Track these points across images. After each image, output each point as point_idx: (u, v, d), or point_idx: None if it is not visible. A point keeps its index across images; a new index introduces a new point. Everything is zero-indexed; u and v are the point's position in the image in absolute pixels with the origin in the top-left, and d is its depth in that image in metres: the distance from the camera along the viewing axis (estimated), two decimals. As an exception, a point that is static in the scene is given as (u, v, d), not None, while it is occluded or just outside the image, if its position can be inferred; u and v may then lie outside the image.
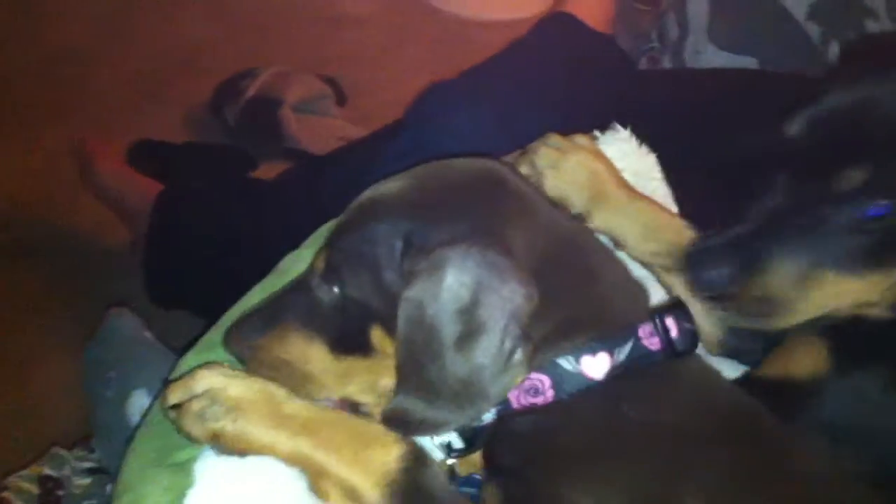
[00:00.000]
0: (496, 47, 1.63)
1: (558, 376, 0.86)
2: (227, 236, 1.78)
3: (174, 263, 1.84)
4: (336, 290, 0.90)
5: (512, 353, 0.82)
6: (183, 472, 0.88)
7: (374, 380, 0.92)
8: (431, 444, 0.89)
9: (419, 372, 0.82)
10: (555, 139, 1.10)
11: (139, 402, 1.30)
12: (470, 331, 0.81)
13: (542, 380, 0.86)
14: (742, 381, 1.01)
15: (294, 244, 1.17)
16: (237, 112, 2.36)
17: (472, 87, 1.51)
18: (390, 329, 0.86)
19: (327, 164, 1.86)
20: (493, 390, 0.82)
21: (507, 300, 0.81)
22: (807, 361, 0.95)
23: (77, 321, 1.91)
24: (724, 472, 0.81)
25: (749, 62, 1.77)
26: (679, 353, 0.89)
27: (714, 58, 1.78)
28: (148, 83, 2.67)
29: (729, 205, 1.21)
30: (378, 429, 0.86)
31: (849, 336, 0.95)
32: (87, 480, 1.31)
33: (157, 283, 1.86)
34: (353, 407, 0.94)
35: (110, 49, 2.78)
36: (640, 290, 0.96)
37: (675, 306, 0.93)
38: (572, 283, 0.89)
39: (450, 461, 0.90)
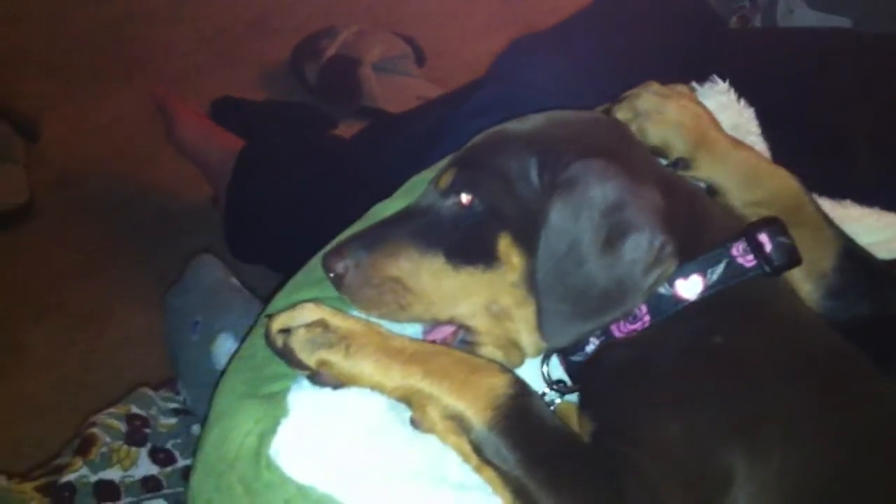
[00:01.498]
0: (569, 7, 1.60)
1: (655, 300, 0.88)
2: (305, 193, 1.79)
3: (254, 219, 1.86)
4: (464, 199, 0.92)
5: (662, 246, 0.86)
6: (275, 403, 0.88)
7: (490, 298, 0.92)
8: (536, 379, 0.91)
9: (564, 280, 0.87)
10: (656, 86, 1.08)
11: (226, 344, 1.31)
12: (619, 231, 0.86)
13: (640, 306, 0.88)
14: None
15: (371, 201, 1.15)
16: (317, 71, 2.36)
17: (553, 42, 1.49)
18: (521, 238, 0.90)
19: (404, 121, 1.85)
20: (647, 282, 0.86)
21: (648, 200, 0.87)
22: None
23: (153, 275, 1.95)
24: (806, 408, 0.80)
25: (842, 22, 1.72)
26: (775, 268, 0.90)
27: (806, 17, 1.72)
28: (221, 42, 2.69)
29: (818, 168, 1.20)
30: (483, 359, 0.88)
31: None
32: (172, 420, 1.33)
33: (238, 237, 1.88)
34: (459, 334, 0.94)
35: (182, 8, 2.80)
36: (732, 216, 0.97)
37: (769, 222, 0.92)
38: (671, 209, 0.89)
39: (550, 397, 0.92)
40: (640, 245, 0.86)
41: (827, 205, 1.12)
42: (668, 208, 0.88)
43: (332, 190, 1.74)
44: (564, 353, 0.94)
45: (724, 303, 0.87)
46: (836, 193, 1.18)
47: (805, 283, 1.04)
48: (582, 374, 0.93)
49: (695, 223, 0.92)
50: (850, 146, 1.29)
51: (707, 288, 0.88)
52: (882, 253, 1.07)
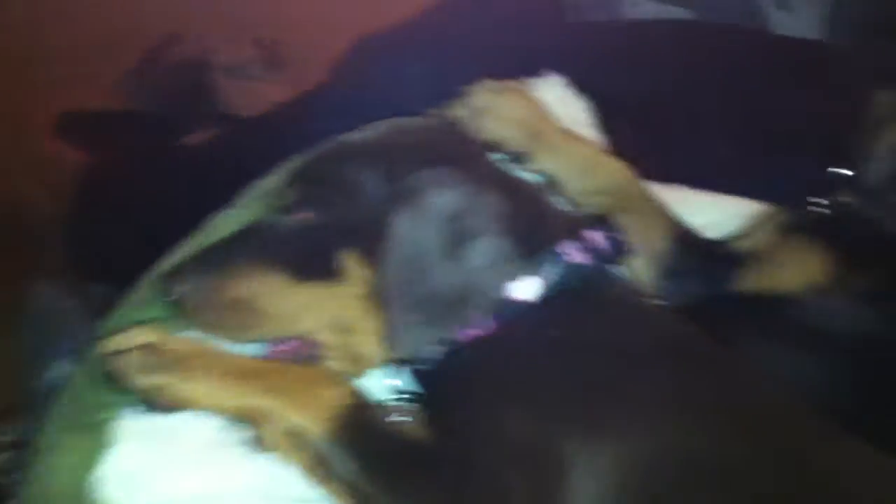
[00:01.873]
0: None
1: (497, 304, 0.89)
2: (155, 204, 1.73)
3: (101, 234, 1.78)
4: (305, 214, 0.91)
5: (505, 250, 0.88)
6: (100, 433, 0.85)
7: (336, 311, 0.91)
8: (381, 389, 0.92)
9: (410, 289, 0.87)
10: (490, 84, 1.09)
11: (61, 371, 1.25)
12: (462, 238, 0.87)
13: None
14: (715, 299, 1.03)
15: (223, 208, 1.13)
16: (164, 78, 2.28)
17: (396, 42, 1.49)
18: (365, 250, 0.89)
19: (255, 126, 1.81)
20: (492, 287, 0.88)
21: (490, 206, 0.88)
22: (803, 273, 0.97)
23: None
24: (642, 391, 0.82)
25: (686, 14, 1.77)
26: (609, 263, 0.93)
27: (649, 9, 1.77)
28: (70, 56, 2.56)
29: (661, 154, 1.23)
30: (322, 371, 0.88)
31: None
32: (5, 455, 1.25)
33: (83, 255, 1.80)
34: (307, 349, 0.92)
35: (34, 25, 2.66)
36: (564, 215, 0.98)
37: (599, 219, 0.96)
38: (511, 213, 0.90)
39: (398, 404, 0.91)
40: (483, 251, 0.88)
41: (662, 189, 1.15)
42: (508, 212, 0.90)
43: (183, 200, 1.68)
44: (411, 362, 0.93)
45: (563, 300, 0.89)
46: (679, 178, 1.22)
47: (642, 266, 1.07)
48: (428, 382, 0.92)
49: (533, 225, 0.93)
50: (691, 132, 1.34)
51: (546, 288, 0.89)
52: (713, 233, 1.12)
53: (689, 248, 1.08)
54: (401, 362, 0.93)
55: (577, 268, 0.90)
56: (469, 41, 1.49)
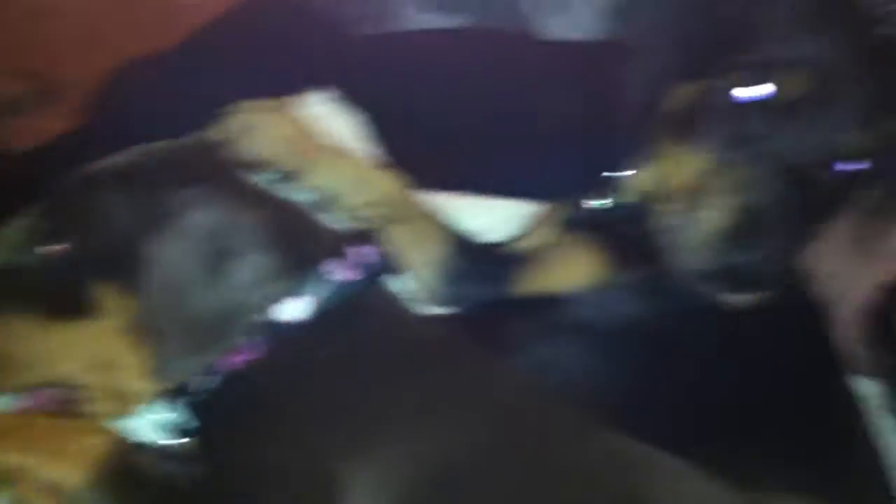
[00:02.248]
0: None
1: (264, 327, 0.87)
2: None
3: None
4: (55, 249, 0.87)
5: (269, 266, 0.86)
6: None
7: (95, 350, 0.87)
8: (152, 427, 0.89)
9: (175, 315, 0.84)
10: (247, 104, 1.07)
11: None
12: (224, 257, 0.85)
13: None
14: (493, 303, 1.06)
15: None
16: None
17: (157, 67, 1.43)
18: (123, 281, 0.85)
19: (23, 162, 1.69)
20: (259, 304, 0.86)
21: (251, 223, 0.87)
22: (578, 271, 1.00)
23: None
24: (413, 400, 0.82)
25: (459, 22, 1.80)
26: (372, 280, 0.92)
27: (424, 19, 1.79)
28: None
29: (437, 164, 1.26)
30: (81, 418, 0.84)
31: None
32: None
33: None
34: (64, 395, 0.88)
35: None
36: (331, 232, 0.98)
37: (362, 236, 0.96)
38: (274, 230, 0.89)
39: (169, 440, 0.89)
40: (246, 268, 0.86)
41: (437, 198, 1.17)
42: (270, 229, 0.88)
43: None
44: (181, 395, 0.90)
45: (331, 319, 0.88)
46: (455, 185, 1.24)
47: (422, 275, 1.09)
48: (200, 415, 0.89)
49: (298, 243, 0.92)
50: (465, 141, 1.37)
51: (313, 307, 0.88)
52: (492, 237, 1.16)
53: (467, 252, 1.11)
54: (171, 395, 0.90)
55: (344, 285, 0.90)
56: (241, 60, 1.46)
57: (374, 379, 0.84)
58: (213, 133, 1.04)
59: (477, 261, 1.10)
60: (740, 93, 0.93)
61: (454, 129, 1.36)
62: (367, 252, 0.93)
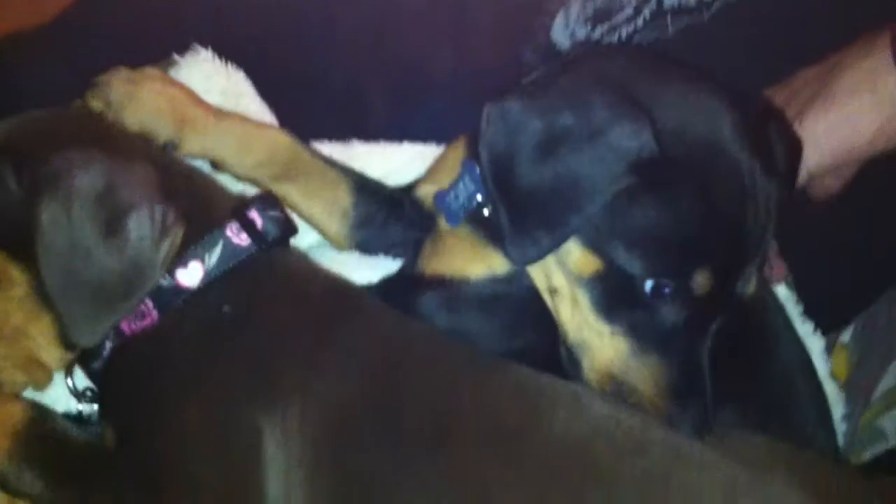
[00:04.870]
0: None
1: (158, 294, 0.87)
2: None
3: None
4: None
5: (165, 216, 0.86)
6: None
7: (0, 321, 0.87)
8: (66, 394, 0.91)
9: (76, 278, 0.83)
10: (123, 72, 1.03)
11: None
12: (117, 214, 0.84)
13: (146, 302, 0.87)
14: (392, 279, 1.03)
15: None
16: None
17: (35, 40, 1.38)
18: (14, 249, 0.85)
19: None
20: (160, 255, 0.86)
21: (140, 176, 0.86)
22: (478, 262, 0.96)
23: None
24: (319, 351, 0.84)
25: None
26: (271, 242, 0.92)
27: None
28: None
29: (336, 117, 1.24)
30: None
31: None
32: None
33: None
34: None
35: None
36: (222, 194, 0.98)
37: (258, 198, 0.95)
38: (166, 190, 0.89)
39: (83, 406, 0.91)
40: (142, 221, 0.85)
41: (336, 148, 1.16)
42: (161, 185, 0.88)
43: None
44: (83, 362, 0.91)
45: (229, 283, 0.89)
46: (355, 136, 1.22)
47: (331, 224, 1.08)
48: (102, 381, 0.90)
49: (190, 206, 0.91)
50: (362, 95, 1.34)
51: (207, 273, 0.89)
52: (393, 181, 1.14)
53: (374, 198, 1.10)
54: (80, 362, 0.91)
55: (237, 250, 0.90)
56: (106, 34, 1.41)
57: (278, 329, 0.86)
58: (91, 101, 1.01)
59: (384, 204, 1.10)
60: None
61: (355, 81, 1.34)
62: (256, 218, 0.92)
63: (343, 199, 1.08)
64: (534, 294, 0.91)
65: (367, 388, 0.83)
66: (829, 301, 1.15)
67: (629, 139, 0.81)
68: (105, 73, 1.02)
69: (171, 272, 0.88)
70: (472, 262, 0.94)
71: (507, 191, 0.85)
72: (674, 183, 0.82)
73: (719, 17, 1.30)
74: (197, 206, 0.92)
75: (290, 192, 1.06)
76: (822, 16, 1.22)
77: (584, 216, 0.82)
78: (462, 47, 1.37)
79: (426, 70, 1.35)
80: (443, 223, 0.98)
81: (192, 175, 0.99)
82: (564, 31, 1.36)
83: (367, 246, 1.10)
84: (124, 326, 0.88)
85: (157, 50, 1.17)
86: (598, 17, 1.37)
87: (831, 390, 1.07)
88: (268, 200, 0.96)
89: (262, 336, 0.86)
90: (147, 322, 0.88)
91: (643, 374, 0.84)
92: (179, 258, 0.88)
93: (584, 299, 0.86)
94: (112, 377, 0.88)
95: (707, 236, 0.83)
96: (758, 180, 0.85)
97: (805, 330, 1.07)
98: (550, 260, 0.87)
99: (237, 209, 0.93)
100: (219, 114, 1.05)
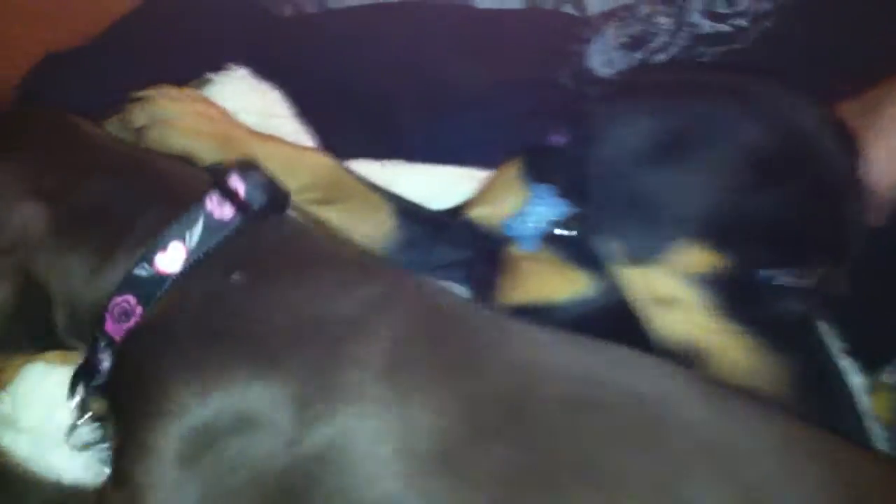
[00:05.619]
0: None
1: (139, 288, 0.78)
2: None
3: None
4: None
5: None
6: None
7: None
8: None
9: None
10: (167, 90, 1.01)
11: None
12: None
13: (128, 299, 0.78)
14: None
15: None
16: None
17: (83, 57, 1.37)
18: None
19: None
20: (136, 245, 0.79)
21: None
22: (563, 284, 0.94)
23: None
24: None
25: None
26: (257, 211, 0.83)
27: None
28: None
29: (370, 136, 1.22)
30: None
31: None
32: None
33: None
34: None
35: None
36: (197, 171, 0.91)
37: (239, 165, 0.86)
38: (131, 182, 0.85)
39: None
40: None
41: (376, 169, 1.14)
42: (128, 181, 0.84)
43: None
44: (84, 382, 0.84)
45: (216, 261, 0.79)
46: (389, 155, 1.21)
47: (375, 248, 1.05)
48: (108, 394, 0.82)
49: (161, 189, 0.84)
50: (395, 113, 1.33)
51: (190, 254, 0.79)
52: (438, 204, 1.11)
53: (417, 219, 1.07)
54: (74, 379, 0.85)
55: (219, 224, 0.80)
56: (168, 46, 1.40)
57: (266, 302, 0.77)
58: (134, 117, 0.97)
59: (428, 226, 1.07)
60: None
61: (388, 99, 1.33)
62: (238, 185, 0.83)
63: (386, 222, 1.06)
64: (622, 310, 0.89)
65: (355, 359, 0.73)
66: (870, 338, 1.13)
67: (746, 136, 0.84)
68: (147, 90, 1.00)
69: (148, 259, 0.78)
70: (556, 284, 0.93)
71: (619, 196, 0.87)
72: (791, 177, 0.84)
73: (757, 43, 1.31)
74: (171, 183, 0.85)
75: (332, 216, 1.03)
76: (859, 39, 1.23)
77: (705, 214, 0.84)
78: (496, 67, 1.37)
79: (460, 88, 1.34)
80: (516, 250, 0.96)
81: (159, 161, 0.91)
82: (601, 56, 1.36)
83: (418, 266, 1.06)
84: (112, 331, 0.79)
85: (192, 73, 1.16)
86: (634, 44, 1.37)
87: (876, 430, 1.05)
88: (251, 167, 0.86)
89: (271, 331, 0.75)
90: (132, 322, 0.78)
91: (772, 372, 0.84)
92: (157, 241, 0.79)
93: (700, 301, 0.85)
94: (116, 387, 0.80)
95: (823, 227, 0.86)
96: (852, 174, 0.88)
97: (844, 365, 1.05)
98: (656, 269, 0.86)
99: (216, 179, 0.84)
100: (260, 137, 1.02)
